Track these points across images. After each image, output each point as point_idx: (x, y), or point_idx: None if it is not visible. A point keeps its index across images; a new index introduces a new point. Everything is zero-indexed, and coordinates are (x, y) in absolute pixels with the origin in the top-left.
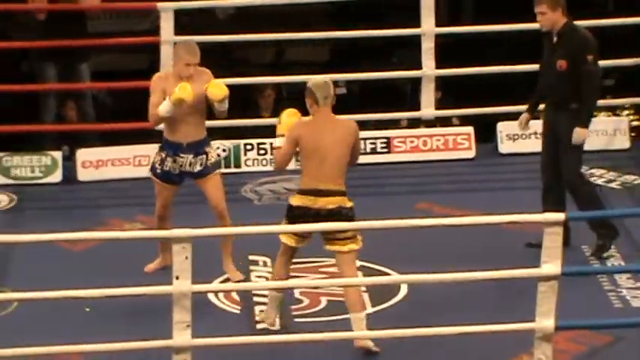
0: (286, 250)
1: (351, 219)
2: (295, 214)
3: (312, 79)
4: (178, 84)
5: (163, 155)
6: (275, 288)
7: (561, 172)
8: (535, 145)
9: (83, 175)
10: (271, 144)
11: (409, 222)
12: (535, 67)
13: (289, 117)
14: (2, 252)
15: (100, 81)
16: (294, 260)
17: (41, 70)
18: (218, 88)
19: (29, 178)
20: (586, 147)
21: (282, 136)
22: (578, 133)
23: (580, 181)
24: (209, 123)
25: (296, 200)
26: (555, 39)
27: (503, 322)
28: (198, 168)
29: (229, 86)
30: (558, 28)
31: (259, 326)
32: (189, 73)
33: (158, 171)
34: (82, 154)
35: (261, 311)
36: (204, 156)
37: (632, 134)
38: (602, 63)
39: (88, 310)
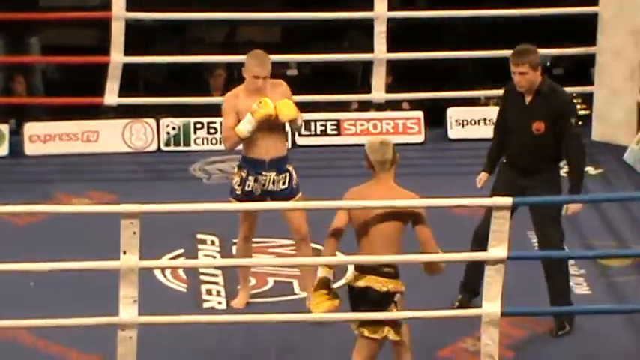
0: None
1: None
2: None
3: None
4: (250, 99)
5: (243, 175)
6: (222, 266)
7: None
8: (484, 131)
9: (30, 149)
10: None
11: (353, 203)
12: (487, 53)
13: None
14: None
15: (50, 55)
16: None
17: None
18: (288, 108)
19: None
20: None
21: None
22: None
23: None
24: (158, 100)
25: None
26: (529, 99)
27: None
28: (281, 187)
29: (182, 64)
30: (535, 87)
31: (205, 305)
32: (257, 86)
33: (238, 193)
34: (30, 128)
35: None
36: (287, 174)
37: (580, 123)
38: (552, 51)
39: (32, 284)
